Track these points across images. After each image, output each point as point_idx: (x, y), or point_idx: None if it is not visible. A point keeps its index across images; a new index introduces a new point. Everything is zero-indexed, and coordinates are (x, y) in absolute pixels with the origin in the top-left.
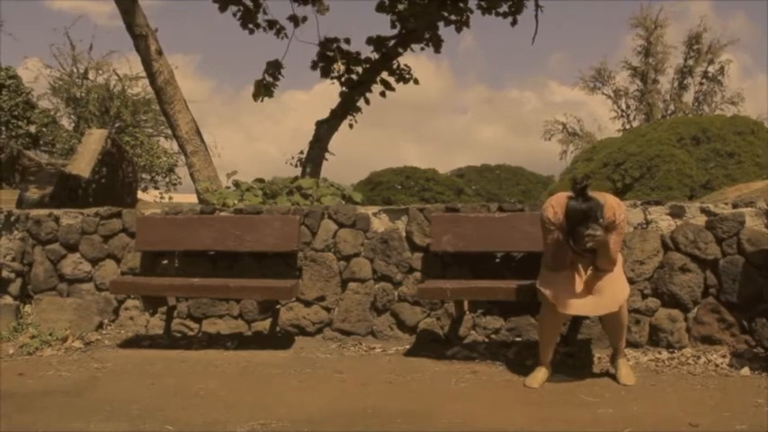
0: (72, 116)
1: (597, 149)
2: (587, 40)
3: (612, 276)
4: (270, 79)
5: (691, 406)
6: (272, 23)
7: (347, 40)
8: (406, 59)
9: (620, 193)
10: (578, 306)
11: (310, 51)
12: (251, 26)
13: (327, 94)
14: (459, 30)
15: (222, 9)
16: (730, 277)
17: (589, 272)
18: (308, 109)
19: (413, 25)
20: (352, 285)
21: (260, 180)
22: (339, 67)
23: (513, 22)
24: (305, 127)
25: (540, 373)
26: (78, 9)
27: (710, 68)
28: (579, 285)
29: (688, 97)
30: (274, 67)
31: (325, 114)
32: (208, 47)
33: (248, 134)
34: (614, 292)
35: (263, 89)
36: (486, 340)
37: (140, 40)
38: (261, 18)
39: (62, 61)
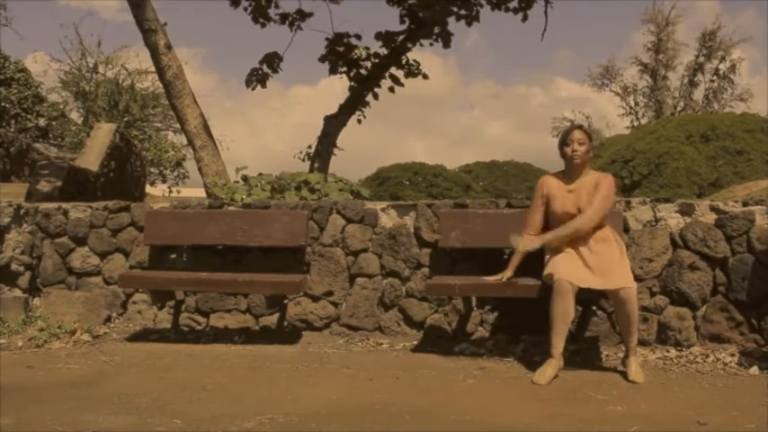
0: (81, 110)
1: (606, 146)
2: (594, 38)
3: (616, 258)
4: (267, 70)
5: (699, 404)
6: (284, 16)
7: (358, 36)
8: (413, 55)
9: (629, 191)
10: (587, 279)
11: (317, 46)
12: (262, 20)
13: (333, 88)
14: (469, 24)
15: (234, 5)
16: (740, 276)
17: (590, 254)
18: (314, 104)
19: (423, 19)
20: (359, 281)
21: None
22: (356, 53)
23: (524, 18)
24: (311, 122)
25: (550, 369)
26: (85, 5)
27: (721, 66)
28: (583, 263)
29: (698, 94)
30: (273, 59)
31: (330, 109)
32: (212, 40)
33: (253, 128)
34: (622, 270)
35: (258, 78)
36: (494, 336)
37: (149, 34)
38: (272, 12)
39: (71, 55)
